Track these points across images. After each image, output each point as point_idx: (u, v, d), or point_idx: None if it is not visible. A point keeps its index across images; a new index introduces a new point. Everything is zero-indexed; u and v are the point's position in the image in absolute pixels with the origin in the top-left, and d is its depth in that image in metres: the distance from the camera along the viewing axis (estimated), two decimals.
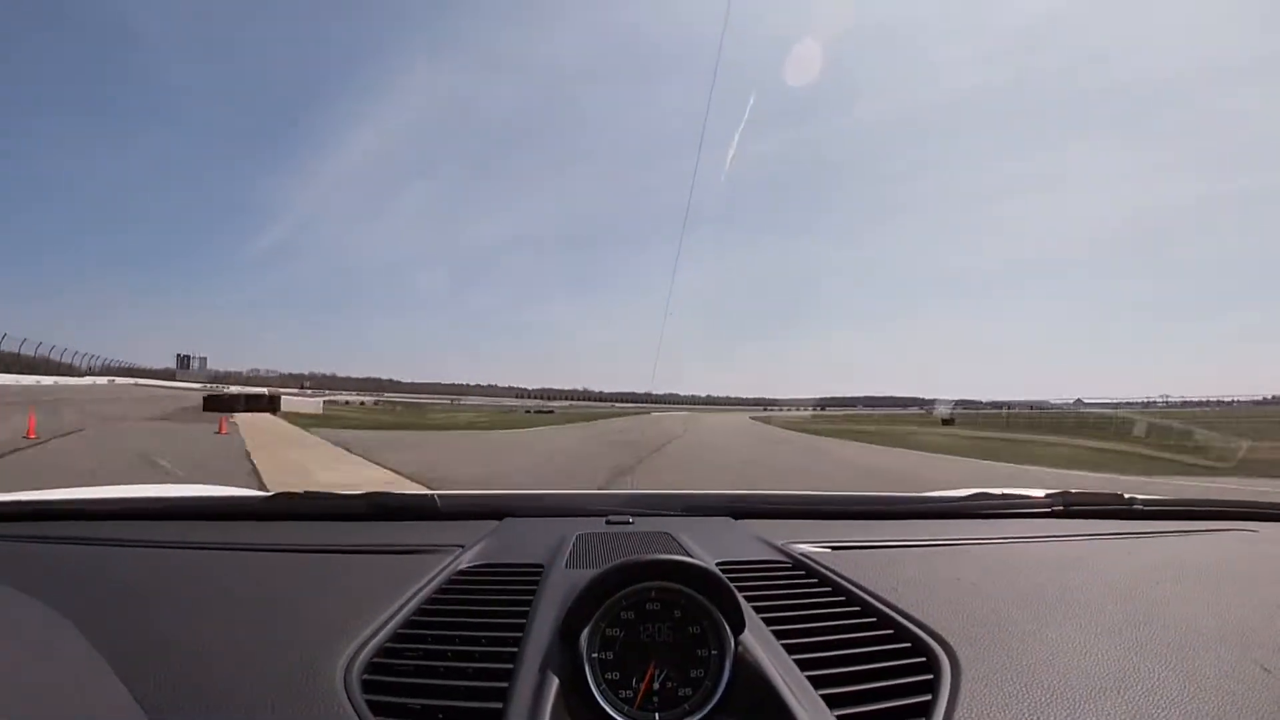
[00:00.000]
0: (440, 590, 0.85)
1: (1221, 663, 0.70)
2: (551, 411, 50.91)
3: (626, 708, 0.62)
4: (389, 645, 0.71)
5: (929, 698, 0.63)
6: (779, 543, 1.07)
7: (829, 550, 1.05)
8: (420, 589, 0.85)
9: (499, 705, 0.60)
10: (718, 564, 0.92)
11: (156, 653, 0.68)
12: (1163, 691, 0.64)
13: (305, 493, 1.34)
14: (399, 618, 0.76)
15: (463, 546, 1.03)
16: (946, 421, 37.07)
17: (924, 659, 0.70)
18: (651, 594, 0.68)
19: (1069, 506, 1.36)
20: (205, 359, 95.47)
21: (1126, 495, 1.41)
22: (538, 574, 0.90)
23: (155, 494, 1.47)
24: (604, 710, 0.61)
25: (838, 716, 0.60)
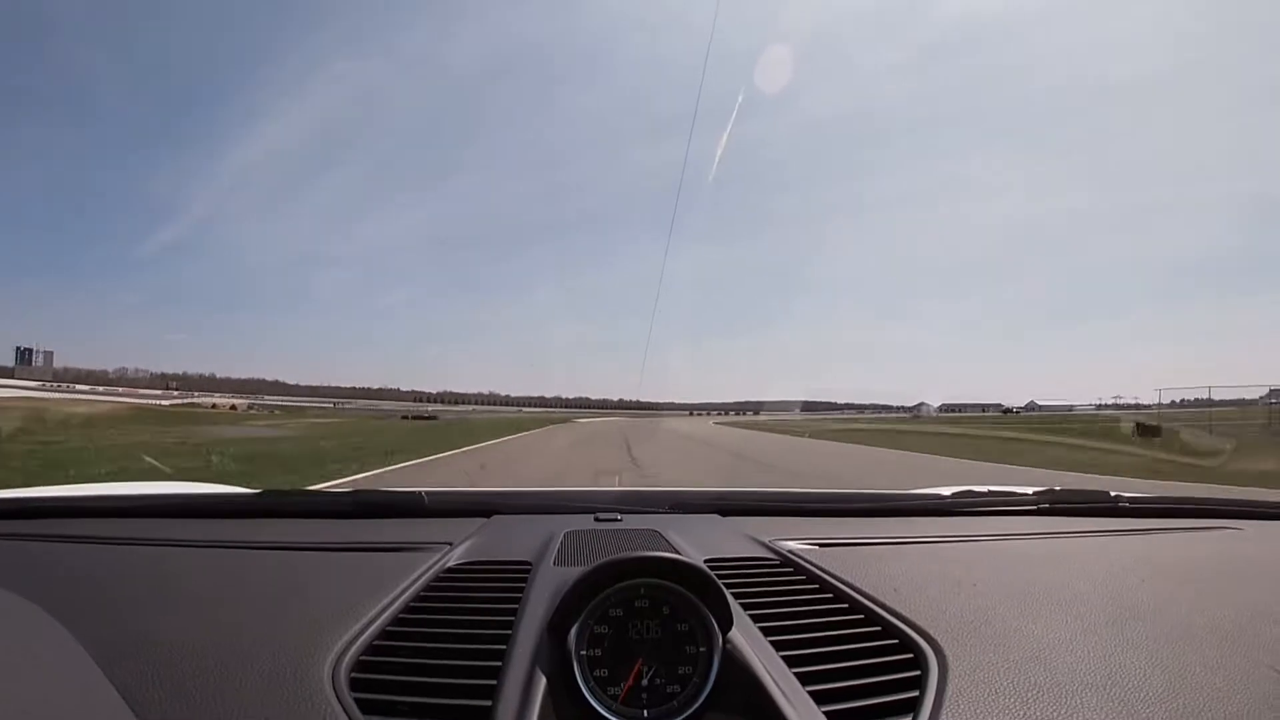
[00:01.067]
0: (428, 588, 0.85)
1: (1207, 659, 0.70)
2: (433, 418, 47.21)
3: (615, 705, 0.62)
4: (377, 643, 0.71)
5: (916, 694, 0.63)
6: (767, 540, 1.07)
7: (816, 547, 1.05)
8: (408, 586, 0.84)
9: (488, 703, 0.60)
10: (706, 561, 0.92)
11: (144, 651, 0.67)
12: (1149, 688, 0.64)
13: (293, 490, 1.36)
14: (387, 615, 0.76)
15: (451, 544, 1.03)
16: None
17: (911, 655, 0.70)
18: (640, 591, 0.68)
19: (1055, 504, 1.37)
20: (51, 353, 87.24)
21: (1113, 493, 1.42)
22: (526, 571, 0.90)
23: (143, 491, 1.45)
24: (592, 707, 0.61)
25: (825, 713, 0.60)
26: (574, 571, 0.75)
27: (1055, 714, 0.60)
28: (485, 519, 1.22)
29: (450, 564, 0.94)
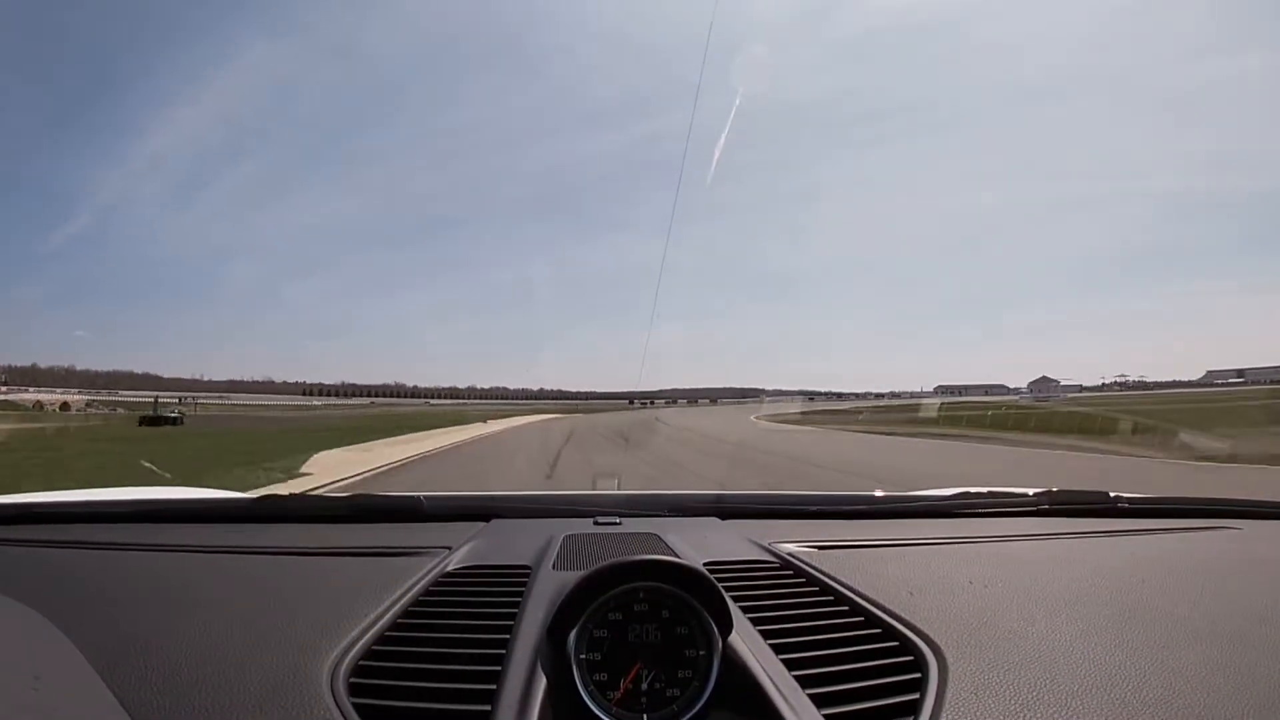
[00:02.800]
0: (427, 592, 0.85)
1: (1208, 659, 0.71)
2: (177, 421, 30.51)
3: (614, 709, 0.62)
4: (376, 648, 0.71)
5: (916, 696, 0.63)
6: (766, 542, 1.07)
7: (816, 550, 1.05)
8: (407, 591, 0.84)
9: (487, 707, 0.60)
10: (705, 564, 0.92)
11: (142, 656, 0.67)
12: (1149, 689, 0.64)
13: (291, 495, 1.36)
14: (386, 620, 0.76)
15: (450, 548, 1.03)
16: None
17: (911, 658, 0.70)
18: (639, 595, 0.68)
19: (1054, 505, 1.37)
20: None
21: (1112, 493, 1.42)
22: (525, 575, 0.90)
23: (141, 497, 1.45)
24: (592, 711, 0.61)
25: (825, 716, 0.60)
26: (573, 575, 0.75)
27: (1056, 716, 0.60)
28: (484, 523, 1.22)
29: (449, 568, 0.93)
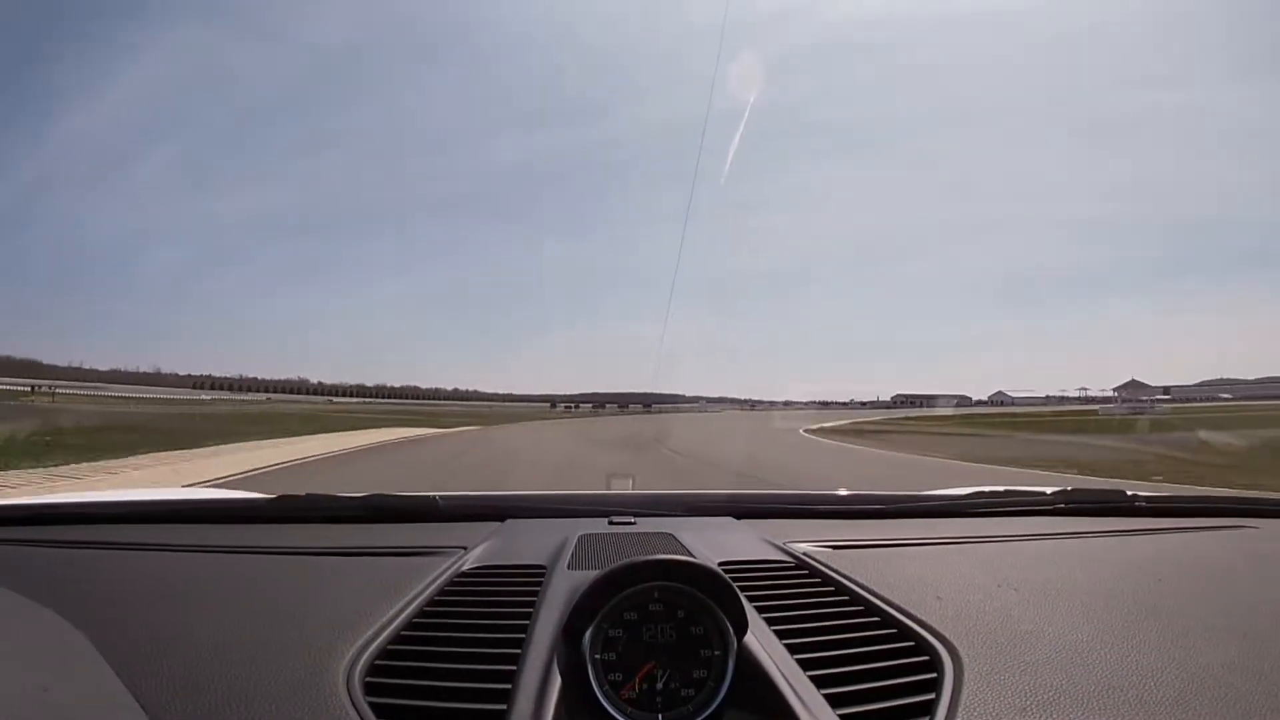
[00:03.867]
0: (443, 592, 0.85)
1: (1226, 660, 0.70)
2: None
3: (629, 708, 0.62)
4: (392, 647, 0.71)
5: (932, 696, 0.63)
6: (781, 542, 1.08)
7: (831, 549, 1.06)
8: (423, 591, 0.85)
9: (502, 707, 0.61)
10: (720, 564, 0.92)
11: (159, 656, 0.68)
12: (1168, 688, 0.64)
13: (308, 495, 1.35)
14: (401, 620, 0.77)
15: (465, 548, 1.03)
16: None
17: (927, 658, 0.70)
18: (654, 594, 0.68)
19: (1071, 504, 1.37)
20: None
21: (1129, 492, 1.42)
22: (540, 575, 0.90)
23: (158, 498, 1.47)
24: (607, 711, 0.61)
25: (840, 716, 0.60)
26: (588, 575, 0.75)
27: (1073, 717, 0.60)
28: (499, 523, 1.22)
29: (465, 568, 0.94)
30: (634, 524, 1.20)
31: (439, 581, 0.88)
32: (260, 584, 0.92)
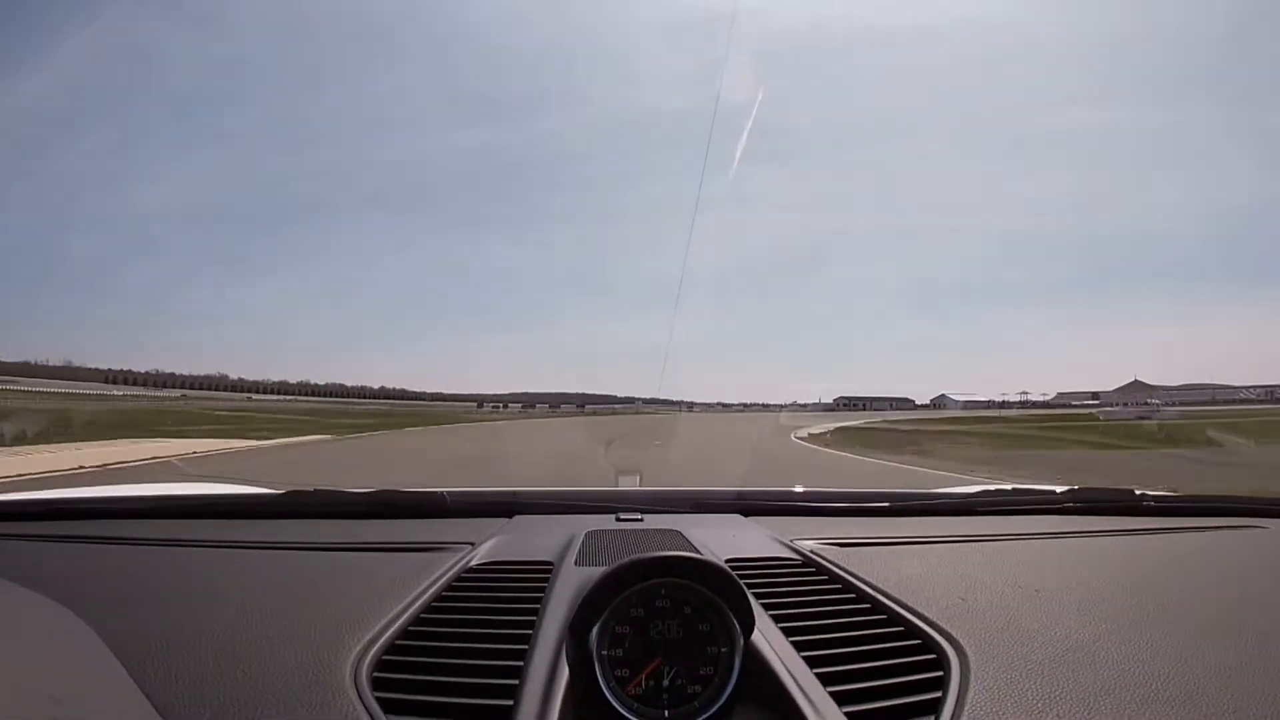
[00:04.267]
0: (450, 587, 0.86)
1: (1234, 660, 0.70)
2: None
3: (636, 705, 0.62)
4: (399, 642, 0.72)
5: (939, 695, 0.63)
6: (788, 539, 1.08)
7: (838, 547, 1.06)
8: (430, 586, 0.85)
9: (509, 702, 0.61)
10: (727, 561, 0.92)
11: (167, 651, 0.69)
12: (1174, 689, 0.64)
13: (316, 490, 1.35)
14: (409, 615, 0.77)
15: (473, 544, 1.04)
16: None
17: (934, 656, 0.70)
18: (661, 591, 0.68)
19: (1079, 503, 1.36)
20: None
21: (1137, 491, 1.41)
22: (548, 571, 0.91)
23: (167, 493, 1.49)
24: (614, 707, 0.61)
25: (847, 714, 0.60)
26: (595, 571, 0.75)
27: (1079, 716, 0.60)
28: (507, 519, 1.23)
29: (472, 564, 0.94)
30: (641, 520, 1.20)
31: (447, 577, 0.88)
32: (269, 579, 0.92)
